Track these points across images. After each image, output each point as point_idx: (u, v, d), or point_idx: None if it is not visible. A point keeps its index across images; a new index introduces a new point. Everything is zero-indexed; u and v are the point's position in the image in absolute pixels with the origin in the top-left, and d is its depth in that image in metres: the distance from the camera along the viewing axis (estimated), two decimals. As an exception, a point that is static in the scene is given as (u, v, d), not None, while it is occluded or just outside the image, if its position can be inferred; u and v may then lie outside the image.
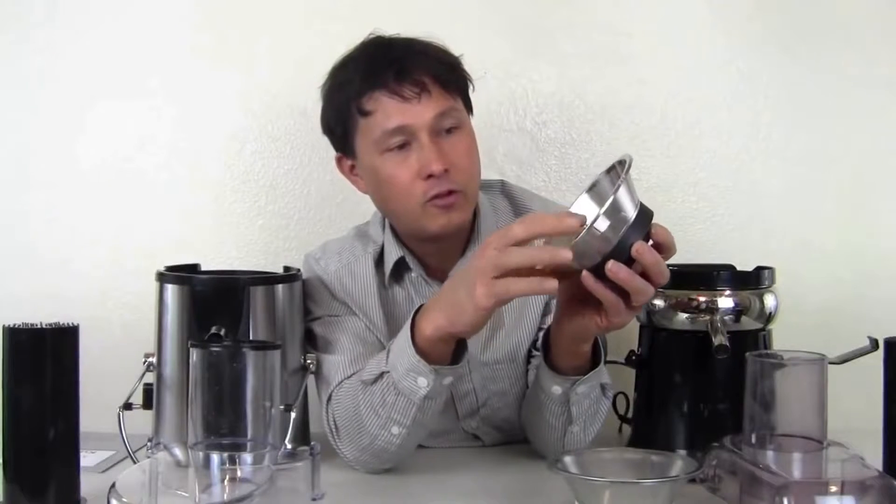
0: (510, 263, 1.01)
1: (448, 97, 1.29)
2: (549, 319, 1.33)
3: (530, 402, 1.30)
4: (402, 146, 1.28)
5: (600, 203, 1.05)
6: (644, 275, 1.00)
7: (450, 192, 1.27)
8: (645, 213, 0.99)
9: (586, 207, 1.05)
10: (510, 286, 1.01)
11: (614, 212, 0.96)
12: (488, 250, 1.03)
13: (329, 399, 1.29)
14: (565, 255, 0.97)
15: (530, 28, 1.69)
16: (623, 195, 0.96)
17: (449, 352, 1.15)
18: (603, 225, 0.96)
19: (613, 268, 0.98)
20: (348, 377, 1.28)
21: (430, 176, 1.26)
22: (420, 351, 1.13)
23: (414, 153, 1.27)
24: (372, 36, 1.33)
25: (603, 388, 1.25)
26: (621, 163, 1.02)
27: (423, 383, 1.14)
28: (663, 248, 1.02)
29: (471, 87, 1.35)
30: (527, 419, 1.34)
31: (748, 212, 1.70)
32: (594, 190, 1.07)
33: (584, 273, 1.00)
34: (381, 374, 1.18)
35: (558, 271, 1.01)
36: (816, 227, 1.70)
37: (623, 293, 1.01)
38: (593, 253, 0.98)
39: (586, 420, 1.24)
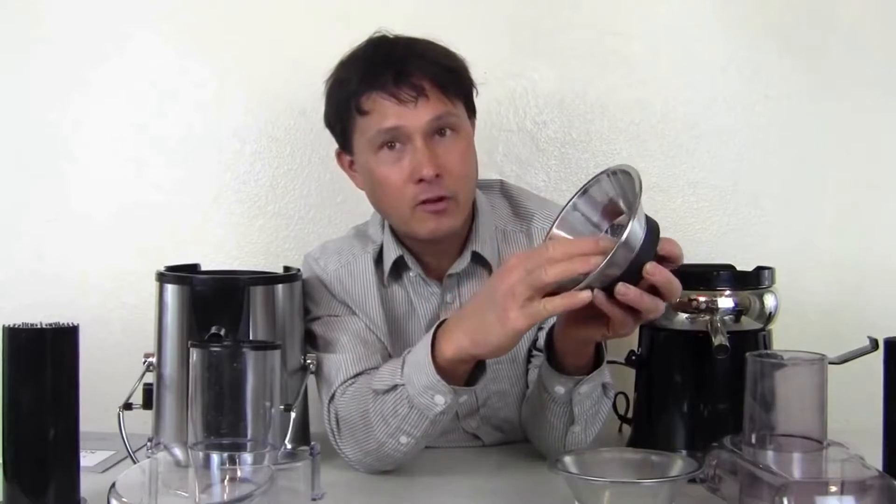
0: (545, 280, 1.00)
1: (446, 101, 1.28)
2: (550, 319, 1.34)
3: (532, 402, 1.30)
4: (396, 148, 1.28)
5: (595, 208, 1.06)
6: (654, 290, 1.00)
7: (440, 199, 1.27)
8: (653, 231, 0.99)
9: (582, 210, 1.07)
10: (546, 305, 1.01)
11: (628, 240, 0.96)
12: (515, 273, 1.03)
13: (332, 399, 1.29)
14: (585, 296, 0.98)
15: (530, 28, 1.69)
16: (637, 222, 0.96)
17: (467, 371, 1.15)
18: (618, 255, 0.96)
19: (623, 290, 0.98)
20: (352, 377, 1.28)
21: (421, 180, 1.26)
22: (439, 370, 1.12)
23: (407, 156, 1.27)
24: (378, 34, 1.32)
25: (605, 388, 1.25)
26: (625, 173, 1.02)
27: (440, 401, 1.14)
28: (671, 260, 1.02)
29: (475, 91, 1.35)
30: (528, 419, 1.34)
31: (748, 212, 1.70)
32: (588, 194, 1.07)
33: (597, 293, 1.00)
34: (395, 386, 1.17)
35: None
36: (816, 227, 1.70)
37: (632, 308, 1.01)
38: (605, 278, 0.99)
39: (588, 420, 1.25)
